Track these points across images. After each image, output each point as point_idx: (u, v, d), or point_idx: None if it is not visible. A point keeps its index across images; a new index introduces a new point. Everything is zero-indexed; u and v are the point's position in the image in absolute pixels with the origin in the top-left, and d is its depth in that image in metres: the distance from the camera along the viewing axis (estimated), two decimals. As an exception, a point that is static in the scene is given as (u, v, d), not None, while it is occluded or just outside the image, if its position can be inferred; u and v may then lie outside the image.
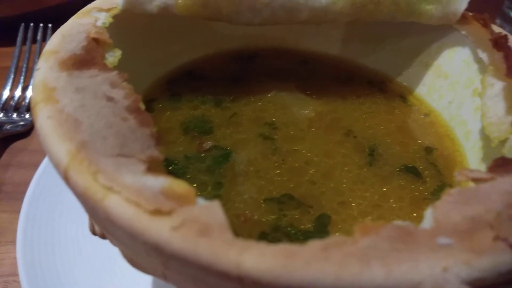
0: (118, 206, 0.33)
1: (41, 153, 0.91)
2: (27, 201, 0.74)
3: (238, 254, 0.30)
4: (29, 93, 1.10)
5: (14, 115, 1.05)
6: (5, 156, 0.96)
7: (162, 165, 0.40)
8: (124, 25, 0.61)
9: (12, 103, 1.07)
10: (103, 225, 0.37)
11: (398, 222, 0.35)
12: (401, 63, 0.75)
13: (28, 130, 1.03)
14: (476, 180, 0.40)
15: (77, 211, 0.71)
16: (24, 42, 1.18)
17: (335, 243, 0.31)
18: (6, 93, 1.09)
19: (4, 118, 1.03)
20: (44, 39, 1.20)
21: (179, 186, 0.35)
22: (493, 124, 0.55)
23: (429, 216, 0.35)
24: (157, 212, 0.32)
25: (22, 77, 1.12)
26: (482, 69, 0.64)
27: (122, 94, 0.44)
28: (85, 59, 0.49)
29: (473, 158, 0.61)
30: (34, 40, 1.20)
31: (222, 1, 0.62)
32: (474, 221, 0.34)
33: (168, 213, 0.32)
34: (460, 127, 0.66)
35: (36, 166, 0.85)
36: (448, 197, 0.36)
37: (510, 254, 0.33)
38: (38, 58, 1.13)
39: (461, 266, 0.31)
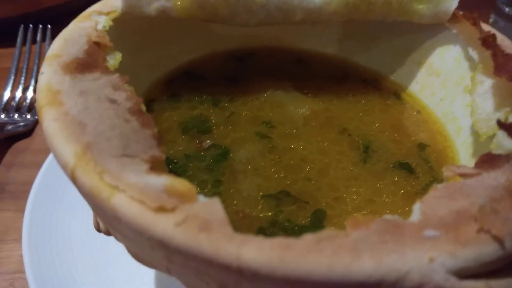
0: (124, 204, 0.35)
1: (43, 152, 0.94)
2: (31, 200, 0.76)
3: (238, 248, 0.32)
4: (29, 93, 1.12)
5: (16, 116, 1.06)
6: (7, 156, 0.98)
7: (164, 164, 0.42)
8: (123, 28, 0.62)
9: (13, 103, 1.09)
10: (109, 223, 0.39)
11: (388, 216, 0.37)
12: (394, 61, 0.77)
13: (30, 130, 1.04)
14: (463, 175, 0.42)
15: (80, 208, 0.74)
16: (24, 43, 1.20)
17: (328, 236, 0.33)
18: (7, 94, 1.10)
19: (6, 118, 1.05)
20: (44, 40, 1.21)
21: (181, 184, 0.37)
22: (482, 120, 0.57)
23: (417, 210, 0.37)
24: (161, 209, 0.34)
25: (22, 78, 1.14)
26: (473, 66, 0.66)
27: (124, 96, 0.46)
28: (87, 63, 0.50)
29: (464, 153, 0.63)
30: (33, 41, 1.21)
31: (218, 3, 0.64)
32: (459, 214, 0.36)
33: (171, 210, 0.34)
34: (452, 123, 0.68)
35: (38, 165, 0.87)
36: (435, 192, 0.38)
37: (493, 245, 0.35)
38: (38, 59, 1.15)
39: (446, 256, 0.33)
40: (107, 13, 0.61)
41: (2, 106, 1.08)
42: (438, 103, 0.71)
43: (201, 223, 0.34)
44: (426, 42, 0.73)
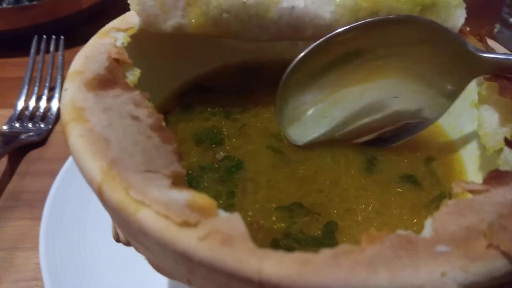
0: (150, 218, 0.37)
1: (57, 161, 0.96)
2: (47, 208, 0.78)
3: (259, 262, 0.34)
4: (43, 103, 1.15)
5: (29, 125, 1.09)
6: (22, 165, 1.00)
7: (184, 179, 0.43)
8: (140, 44, 0.64)
9: (27, 113, 1.12)
10: (134, 236, 0.41)
11: (401, 231, 0.39)
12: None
13: (44, 139, 1.06)
14: (472, 192, 0.43)
15: (97, 218, 0.75)
16: (37, 52, 1.22)
17: (345, 251, 0.35)
18: (21, 103, 1.13)
19: (20, 127, 1.07)
20: (57, 49, 1.23)
21: (202, 199, 0.39)
22: (489, 135, 0.58)
23: (428, 226, 0.39)
24: (185, 224, 0.36)
25: (36, 88, 1.16)
26: (480, 81, 0.67)
27: (145, 113, 0.48)
28: (108, 79, 0.52)
29: (471, 166, 0.65)
30: (47, 51, 1.24)
31: (232, 20, 0.66)
32: (469, 230, 0.38)
33: (195, 224, 0.36)
34: (459, 136, 0.69)
35: (52, 174, 0.89)
36: (446, 208, 0.40)
37: (502, 260, 0.36)
38: (51, 69, 1.18)
39: (457, 271, 0.35)
40: (125, 30, 0.63)
41: (16, 116, 1.10)
42: (446, 116, 0.72)
43: (224, 238, 0.35)
44: (434, 56, 0.75)
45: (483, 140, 0.59)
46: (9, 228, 0.86)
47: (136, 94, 0.50)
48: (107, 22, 0.65)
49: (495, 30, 1.55)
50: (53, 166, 0.95)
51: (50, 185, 0.84)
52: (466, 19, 0.70)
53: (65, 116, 0.47)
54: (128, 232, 0.42)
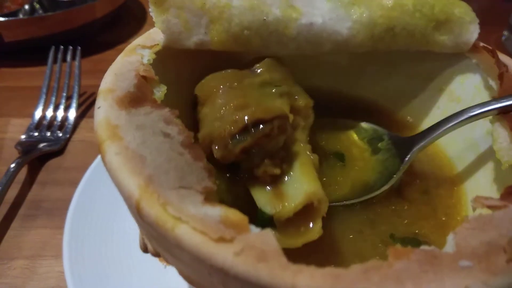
0: (187, 234, 0.39)
1: (76, 170, 0.98)
2: (70, 217, 0.80)
3: (293, 277, 0.36)
4: (60, 112, 1.17)
5: (48, 134, 1.11)
6: (41, 174, 1.02)
7: (215, 195, 0.46)
8: (164, 60, 0.67)
9: (45, 122, 1.14)
10: (170, 250, 0.43)
11: (425, 247, 0.40)
12: (417, 87, 0.81)
13: (62, 148, 1.09)
14: (490, 207, 0.45)
15: (121, 228, 0.78)
16: (54, 62, 1.25)
17: (374, 266, 0.37)
18: (38, 113, 1.15)
19: (38, 137, 1.10)
20: (74, 58, 1.26)
21: (234, 215, 0.41)
22: (504, 149, 0.60)
23: (451, 241, 0.41)
24: (221, 240, 0.38)
25: (53, 97, 1.19)
26: (492, 95, 0.69)
27: (176, 130, 0.50)
28: (138, 97, 0.55)
29: (485, 180, 0.66)
30: (63, 60, 1.26)
31: (252, 36, 0.69)
32: (490, 246, 0.40)
33: (230, 240, 0.38)
34: (473, 149, 0.71)
35: (71, 183, 0.91)
36: (467, 224, 0.42)
37: (521, 274, 0.38)
38: (68, 79, 1.20)
39: (480, 285, 0.37)
40: (150, 47, 0.65)
41: (34, 125, 1.13)
42: (460, 129, 0.74)
43: (258, 253, 0.37)
44: (447, 69, 0.77)
45: (498, 155, 0.60)
46: (31, 236, 0.88)
47: (166, 111, 0.52)
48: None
49: (503, 37, 1.56)
50: (72, 175, 0.98)
51: (70, 194, 0.86)
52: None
53: (100, 134, 0.49)
54: (163, 246, 0.44)
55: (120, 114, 0.51)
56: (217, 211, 0.41)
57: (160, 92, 0.59)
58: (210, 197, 0.44)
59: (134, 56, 0.62)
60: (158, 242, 0.45)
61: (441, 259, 0.38)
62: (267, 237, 0.39)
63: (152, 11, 0.65)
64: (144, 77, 0.58)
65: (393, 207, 0.66)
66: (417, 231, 0.64)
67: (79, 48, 1.27)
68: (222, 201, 0.44)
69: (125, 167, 0.45)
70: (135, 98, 0.54)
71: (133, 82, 0.57)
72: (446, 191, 0.69)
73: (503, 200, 0.46)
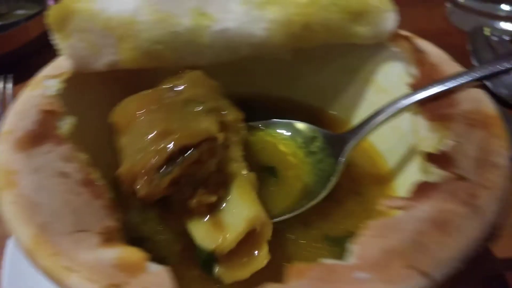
0: (79, 284, 0.38)
1: None
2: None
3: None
4: None
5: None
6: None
7: (120, 232, 0.44)
8: (76, 88, 0.64)
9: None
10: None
11: (327, 260, 0.40)
12: (344, 80, 0.80)
13: None
14: (396, 208, 0.45)
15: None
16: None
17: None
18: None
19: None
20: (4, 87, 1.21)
21: (132, 255, 0.40)
22: (423, 139, 0.60)
23: (351, 251, 0.40)
24: (112, 287, 0.37)
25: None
26: (415, 83, 0.69)
27: (75, 168, 0.48)
28: (38, 134, 0.52)
29: (414, 174, 0.66)
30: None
31: (165, 50, 0.67)
32: (389, 253, 0.40)
33: (120, 286, 0.37)
34: (402, 142, 0.71)
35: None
36: (367, 231, 0.42)
37: (420, 280, 0.38)
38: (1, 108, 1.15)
39: (377, 297, 0.37)
40: (59, 76, 0.62)
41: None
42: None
43: (151, 297, 0.36)
44: (371, 61, 0.76)
45: (420, 146, 0.60)
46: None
47: (67, 147, 0.50)
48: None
49: (447, 11, 1.56)
50: None
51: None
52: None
53: (-2, 183, 0.47)
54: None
55: (18, 158, 0.49)
56: (113, 253, 0.40)
57: (68, 124, 0.56)
58: (112, 237, 0.43)
59: (38, 90, 0.59)
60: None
61: (338, 273, 0.38)
62: (162, 279, 0.38)
63: (55, 38, 0.63)
64: (48, 112, 0.56)
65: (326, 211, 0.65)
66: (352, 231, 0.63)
67: (12, 75, 1.22)
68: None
69: (18, 217, 0.43)
70: (35, 136, 0.52)
71: (35, 119, 0.54)
72: (379, 189, 0.69)
73: (411, 199, 0.45)
